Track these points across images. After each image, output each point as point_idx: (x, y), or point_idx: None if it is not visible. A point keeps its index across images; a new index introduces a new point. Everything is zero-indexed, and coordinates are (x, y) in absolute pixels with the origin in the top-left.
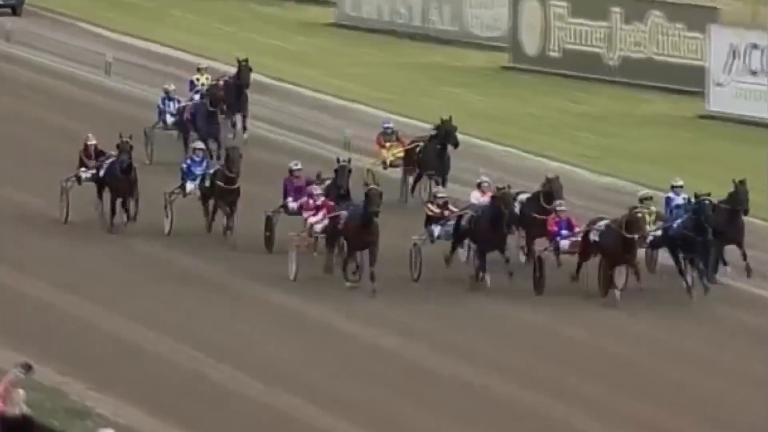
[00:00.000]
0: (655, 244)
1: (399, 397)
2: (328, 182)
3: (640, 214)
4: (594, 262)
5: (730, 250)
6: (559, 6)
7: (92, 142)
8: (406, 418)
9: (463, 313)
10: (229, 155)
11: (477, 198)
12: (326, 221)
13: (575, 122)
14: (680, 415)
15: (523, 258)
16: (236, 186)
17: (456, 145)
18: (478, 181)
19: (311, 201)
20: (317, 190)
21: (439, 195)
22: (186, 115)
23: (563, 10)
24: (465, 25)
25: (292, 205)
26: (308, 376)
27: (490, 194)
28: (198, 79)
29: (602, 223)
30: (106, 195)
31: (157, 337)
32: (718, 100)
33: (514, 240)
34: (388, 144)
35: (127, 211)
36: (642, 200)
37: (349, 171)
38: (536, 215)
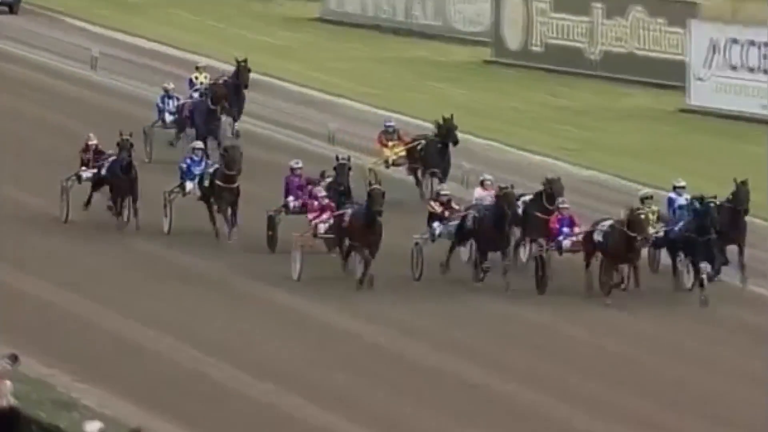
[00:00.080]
0: (658, 245)
1: (400, 396)
2: (329, 179)
3: (643, 215)
4: (597, 262)
5: (730, 251)
6: (541, 1)
7: (93, 142)
8: (407, 416)
9: (465, 312)
10: (229, 153)
11: (480, 194)
12: (331, 221)
13: (557, 116)
14: (680, 413)
15: (524, 257)
16: (236, 185)
17: (456, 143)
18: (481, 178)
19: (315, 203)
20: (321, 192)
21: (443, 193)
22: (185, 112)
23: (545, 5)
24: (448, 20)
25: (294, 204)
26: (309, 375)
27: (492, 192)
28: (197, 78)
29: (606, 223)
30: (100, 194)
31: (157, 336)
32: (699, 95)
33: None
34: (389, 143)
35: (130, 209)
36: (643, 200)
37: (349, 169)
38: (539, 215)
